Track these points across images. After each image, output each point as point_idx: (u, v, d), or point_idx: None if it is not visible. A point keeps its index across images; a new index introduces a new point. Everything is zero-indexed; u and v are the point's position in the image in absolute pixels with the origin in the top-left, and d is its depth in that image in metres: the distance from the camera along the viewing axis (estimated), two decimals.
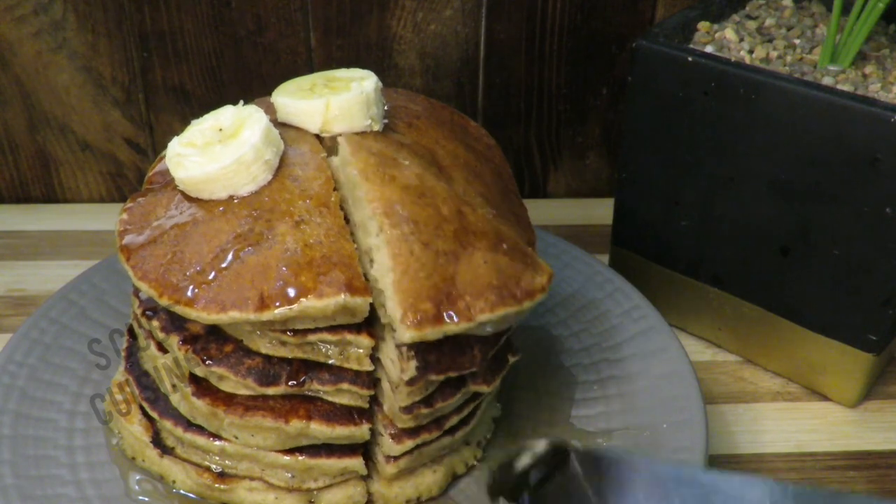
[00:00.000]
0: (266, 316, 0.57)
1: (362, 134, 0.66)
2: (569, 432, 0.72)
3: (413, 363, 0.58)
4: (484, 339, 0.62)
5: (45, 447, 0.68)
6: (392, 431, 0.63)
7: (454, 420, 0.65)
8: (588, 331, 0.81)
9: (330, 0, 0.96)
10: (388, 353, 0.60)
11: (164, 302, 0.59)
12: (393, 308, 0.57)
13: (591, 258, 0.88)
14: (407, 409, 0.61)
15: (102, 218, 1.03)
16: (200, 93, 1.01)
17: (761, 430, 0.77)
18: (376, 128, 0.70)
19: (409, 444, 0.63)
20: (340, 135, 0.67)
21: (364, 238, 0.61)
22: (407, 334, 0.56)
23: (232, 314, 0.57)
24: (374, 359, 0.62)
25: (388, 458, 0.64)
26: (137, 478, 0.67)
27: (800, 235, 0.75)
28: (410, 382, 0.59)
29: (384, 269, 0.58)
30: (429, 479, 0.67)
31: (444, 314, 0.57)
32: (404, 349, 0.58)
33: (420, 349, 0.58)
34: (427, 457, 0.66)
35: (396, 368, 0.59)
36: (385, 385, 0.62)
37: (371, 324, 0.61)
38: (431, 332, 0.57)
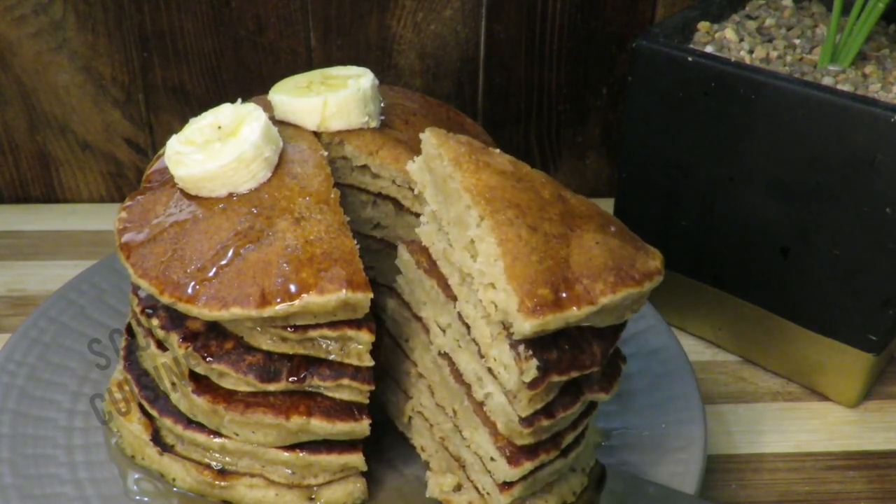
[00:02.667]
0: (268, 312, 0.57)
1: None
2: None
3: (533, 362, 0.53)
4: (601, 335, 0.58)
5: (44, 446, 0.68)
6: (508, 453, 0.58)
7: (569, 437, 0.60)
8: None
9: (330, 0, 0.96)
10: (501, 359, 0.55)
11: (164, 299, 0.59)
12: (506, 298, 0.52)
13: None
14: (527, 422, 0.56)
15: (102, 218, 1.03)
16: (200, 93, 1.01)
17: (761, 430, 0.77)
18: (373, 125, 0.71)
19: (527, 466, 0.57)
20: (341, 131, 0.65)
21: (462, 233, 0.57)
22: (527, 324, 0.51)
23: (234, 311, 0.57)
24: (374, 353, 0.61)
25: (503, 485, 0.59)
26: (136, 476, 0.67)
27: (800, 235, 0.75)
28: (532, 385, 0.54)
29: (491, 259, 0.54)
30: None
31: (564, 299, 0.53)
32: (521, 348, 0.54)
33: (538, 348, 0.54)
34: (540, 483, 0.61)
35: (514, 372, 0.54)
36: (497, 399, 0.57)
37: (371, 319, 0.60)
38: (553, 320, 0.52)
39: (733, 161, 0.75)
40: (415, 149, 0.70)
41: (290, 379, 0.61)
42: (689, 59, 0.74)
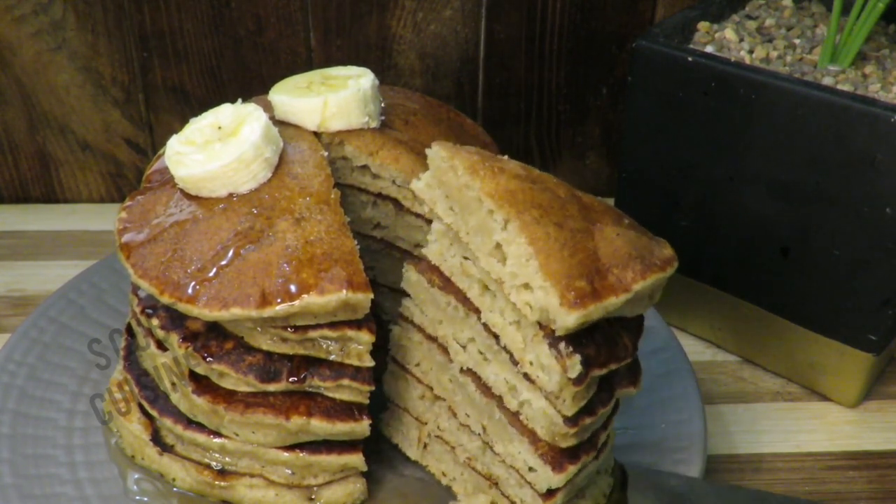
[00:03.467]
0: (268, 312, 0.57)
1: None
2: None
3: (577, 357, 0.54)
4: (628, 327, 0.59)
5: (44, 446, 0.68)
6: (551, 459, 0.57)
7: (603, 437, 0.61)
8: None
9: (330, 0, 0.96)
10: (539, 361, 0.55)
11: (164, 299, 0.59)
12: (545, 296, 0.53)
13: None
14: (572, 421, 0.56)
15: (102, 218, 1.03)
16: (200, 93, 1.01)
17: (761, 430, 0.77)
18: (373, 125, 0.71)
19: (571, 469, 0.57)
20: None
21: (486, 240, 0.57)
22: (571, 317, 0.52)
23: (234, 311, 0.57)
24: (375, 354, 0.61)
25: (547, 494, 0.58)
26: (136, 477, 0.67)
27: (800, 235, 0.75)
28: (578, 381, 0.54)
29: (523, 259, 0.54)
30: None
31: (601, 289, 0.54)
32: (562, 346, 0.54)
33: (576, 344, 0.54)
34: (576, 488, 0.61)
35: (554, 372, 0.54)
36: (536, 405, 0.57)
37: (371, 319, 0.60)
38: (595, 310, 0.53)
39: (733, 161, 0.76)
40: (415, 149, 0.70)
41: (291, 379, 0.61)
42: (689, 59, 0.74)
